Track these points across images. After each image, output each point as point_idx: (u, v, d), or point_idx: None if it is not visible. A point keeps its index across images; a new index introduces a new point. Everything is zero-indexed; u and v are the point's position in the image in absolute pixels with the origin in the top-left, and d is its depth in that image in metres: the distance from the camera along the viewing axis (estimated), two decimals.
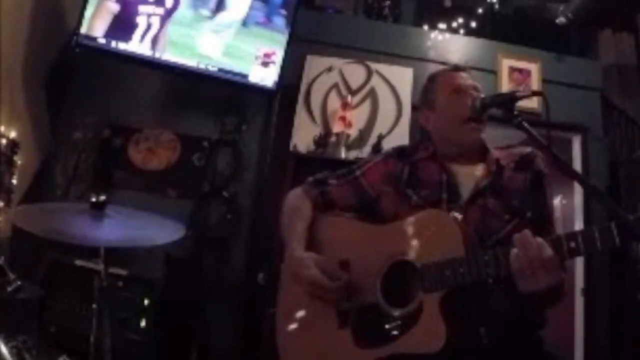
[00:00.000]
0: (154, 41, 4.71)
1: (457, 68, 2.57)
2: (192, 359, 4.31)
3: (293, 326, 2.39)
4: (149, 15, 4.69)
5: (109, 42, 4.57)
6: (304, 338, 2.33)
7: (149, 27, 4.70)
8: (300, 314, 2.36)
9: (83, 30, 4.49)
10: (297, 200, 2.52)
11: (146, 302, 3.97)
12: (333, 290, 2.16)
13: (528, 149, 2.38)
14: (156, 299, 4.01)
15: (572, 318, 5.44)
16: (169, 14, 4.74)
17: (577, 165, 5.73)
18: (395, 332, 2.02)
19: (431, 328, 1.92)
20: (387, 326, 2.06)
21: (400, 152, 2.52)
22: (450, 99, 2.40)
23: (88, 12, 4.48)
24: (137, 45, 4.68)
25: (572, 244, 1.77)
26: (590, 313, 5.35)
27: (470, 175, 2.33)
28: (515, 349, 2.09)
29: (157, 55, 4.71)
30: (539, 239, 1.80)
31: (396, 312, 2.05)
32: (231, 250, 5.08)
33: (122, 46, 4.62)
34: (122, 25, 4.63)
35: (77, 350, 2.88)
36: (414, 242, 2.14)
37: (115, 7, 4.59)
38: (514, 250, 1.82)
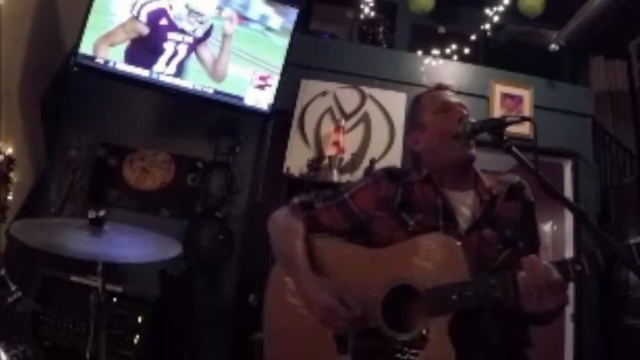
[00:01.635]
0: (179, 67, 4.85)
1: (441, 87, 2.54)
2: None
3: (285, 352, 2.33)
4: (177, 43, 4.81)
5: (106, 62, 4.62)
6: None
7: (175, 53, 4.82)
8: (293, 338, 2.30)
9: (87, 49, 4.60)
10: (288, 220, 2.44)
11: (140, 319, 3.98)
12: (347, 319, 2.09)
13: (516, 179, 2.38)
14: (150, 317, 4.02)
15: (562, 343, 5.45)
16: (198, 42, 4.88)
17: (568, 190, 5.77)
18: (401, 358, 2.01)
19: (440, 352, 1.92)
20: (390, 351, 2.03)
21: (391, 174, 2.44)
22: (438, 117, 2.38)
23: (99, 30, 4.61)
24: (162, 67, 4.78)
25: (578, 267, 1.80)
26: (580, 338, 5.37)
27: (464, 203, 2.31)
28: None
29: (154, 76, 4.75)
30: (546, 263, 1.83)
31: (402, 337, 2.03)
32: (223, 270, 5.11)
33: (119, 67, 4.66)
34: (149, 49, 4.77)
35: None
36: (417, 266, 2.11)
37: (144, 30, 4.72)
38: (522, 274, 1.84)
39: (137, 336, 3.94)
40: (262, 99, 5.02)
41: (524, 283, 1.83)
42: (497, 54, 6.51)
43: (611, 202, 5.95)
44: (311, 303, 2.19)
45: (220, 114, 5.25)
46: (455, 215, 2.25)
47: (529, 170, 1.98)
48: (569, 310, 5.41)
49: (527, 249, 2.19)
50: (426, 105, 2.47)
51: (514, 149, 2.02)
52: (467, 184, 2.36)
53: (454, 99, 2.43)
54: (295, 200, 2.52)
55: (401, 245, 2.21)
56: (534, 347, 2.21)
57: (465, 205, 2.30)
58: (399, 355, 2.02)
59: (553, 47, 6.21)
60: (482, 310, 2.04)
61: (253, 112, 5.10)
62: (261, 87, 5.00)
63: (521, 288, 1.84)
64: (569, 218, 5.79)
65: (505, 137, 2.10)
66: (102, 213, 2.66)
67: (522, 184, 2.37)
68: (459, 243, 2.08)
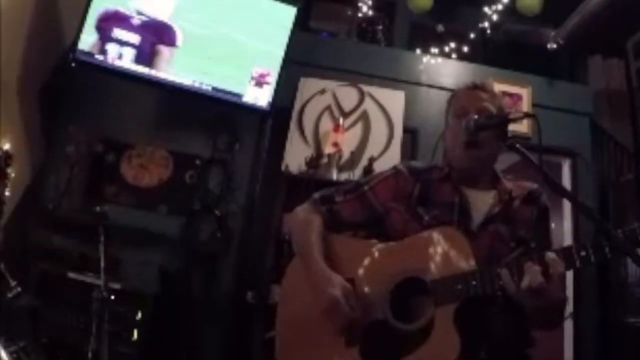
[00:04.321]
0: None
1: (473, 86, 2.44)
2: None
3: (296, 344, 2.34)
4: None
5: (105, 59, 4.61)
6: (309, 357, 2.28)
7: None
8: (304, 332, 2.31)
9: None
10: (307, 215, 2.46)
11: (138, 316, 3.98)
12: (348, 319, 2.11)
13: (535, 185, 2.36)
14: (148, 313, 4.01)
15: (561, 341, 5.46)
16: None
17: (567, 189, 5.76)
18: (406, 348, 1.99)
19: (445, 340, 1.91)
20: (397, 342, 2.03)
21: (412, 169, 2.44)
22: (454, 121, 2.36)
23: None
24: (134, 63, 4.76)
25: (583, 253, 1.79)
26: (578, 336, 5.37)
27: (482, 201, 2.30)
28: None
29: (152, 72, 4.74)
30: (552, 255, 1.83)
31: (407, 328, 2.03)
32: (221, 268, 5.09)
33: (118, 63, 4.66)
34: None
35: None
36: (424, 259, 2.11)
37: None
38: (529, 263, 1.84)
39: (136, 332, 3.93)
40: (261, 97, 5.00)
41: (530, 273, 1.82)
42: (496, 52, 6.52)
43: (610, 200, 5.95)
44: (319, 295, 2.18)
45: (219, 110, 5.23)
46: (470, 212, 2.25)
47: (534, 167, 1.97)
48: (568, 308, 5.41)
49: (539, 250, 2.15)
50: (452, 106, 2.45)
51: (518, 145, 2.02)
52: (487, 183, 2.36)
53: (476, 103, 2.34)
54: (316, 195, 2.53)
55: (410, 239, 2.21)
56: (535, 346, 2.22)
57: (482, 203, 2.29)
58: (404, 346, 2.00)
59: (552, 45, 6.20)
60: (491, 305, 2.04)
61: (252, 110, 5.08)
62: (260, 84, 4.99)
63: (526, 278, 1.82)
64: (567, 217, 5.79)
65: (508, 134, 2.11)
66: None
67: (540, 190, 2.35)
68: (464, 235, 2.08)
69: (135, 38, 4.78)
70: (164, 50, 4.85)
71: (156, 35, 4.84)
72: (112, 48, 4.72)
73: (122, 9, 4.73)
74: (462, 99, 2.41)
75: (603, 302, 5.47)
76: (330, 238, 2.41)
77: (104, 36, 4.71)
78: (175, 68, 4.83)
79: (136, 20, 4.78)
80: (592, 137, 6.10)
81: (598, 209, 5.83)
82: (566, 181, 5.84)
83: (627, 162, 6.27)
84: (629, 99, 6.87)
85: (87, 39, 4.59)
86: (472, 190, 2.32)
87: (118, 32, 4.74)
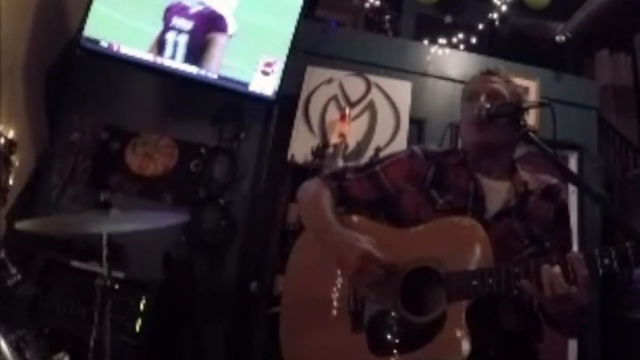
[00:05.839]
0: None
1: (486, 71, 2.48)
2: None
3: (301, 326, 2.30)
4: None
5: (110, 46, 4.58)
6: (313, 339, 2.24)
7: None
8: (309, 313, 2.28)
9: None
10: (318, 188, 2.44)
11: (141, 305, 3.94)
12: (383, 265, 2.05)
13: (554, 180, 2.33)
14: (152, 302, 3.98)
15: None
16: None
17: None
18: (415, 340, 1.96)
19: (456, 337, 1.87)
20: (406, 333, 2.00)
21: (427, 152, 2.42)
22: (465, 106, 2.38)
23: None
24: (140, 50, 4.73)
25: (606, 261, 1.72)
26: (582, 332, 5.35)
27: (497, 191, 2.27)
28: None
29: (158, 60, 4.71)
30: (576, 254, 1.78)
31: (418, 320, 2.00)
32: (224, 258, 5.06)
33: (124, 50, 4.63)
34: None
35: (71, 352, 2.84)
36: (440, 249, 2.07)
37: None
38: (546, 266, 1.79)
39: (139, 322, 3.90)
40: (267, 85, 4.95)
41: (548, 275, 1.78)
42: (503, 44, 6.48)
43: (615, 195, 5.93)
44: (346, 253, 2.11)
45: (225, 99, 5.20)
46: (484, 201, 2.21)
47: (547, 156, 1.95)
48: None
49: (555, 250, 2.12)
50: (464, 92, 2.46)
51: (532, 134, 1.99)
52: (503, 173, 2.32)
53: (486, 86, 2.35)
54: (327, 171, 2.56)
55: (426, 226, 2.18)
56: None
57: (497, 194, 2.26)
58: (413, 337, 1.98)
59: (560, 38, 6.17)
60: (502, 301, 2.01)
61: (258, 99, 5.03)
62: (267, 73, 4.94)
63: (544, 280, 1.78)
64: (573, 212, 5.75)
65: (522, 123, 2.08)
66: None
67: (559, 186, 2.32)
68: (483, 230, 2.03)
69: (189, 25, 4.81)
70: (217, 38, 4.87)
71: (208, 24, 4.86)
72: (170, 37, 4.77)
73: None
74: (474, 83, 2.44)
75: (606, 297, 5.45)
76: (341, 218, 2.35)
77: (166, 28, 4.78)
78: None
79: (193, 9, 4.82)
80: (598, 132, 6.05)
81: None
82: None
83: (632, 157, 6.26)
84: (636, 94, 6.86)
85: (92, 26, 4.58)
86: (487, 179, 2.29)
87: (176, 21, 4.78)
